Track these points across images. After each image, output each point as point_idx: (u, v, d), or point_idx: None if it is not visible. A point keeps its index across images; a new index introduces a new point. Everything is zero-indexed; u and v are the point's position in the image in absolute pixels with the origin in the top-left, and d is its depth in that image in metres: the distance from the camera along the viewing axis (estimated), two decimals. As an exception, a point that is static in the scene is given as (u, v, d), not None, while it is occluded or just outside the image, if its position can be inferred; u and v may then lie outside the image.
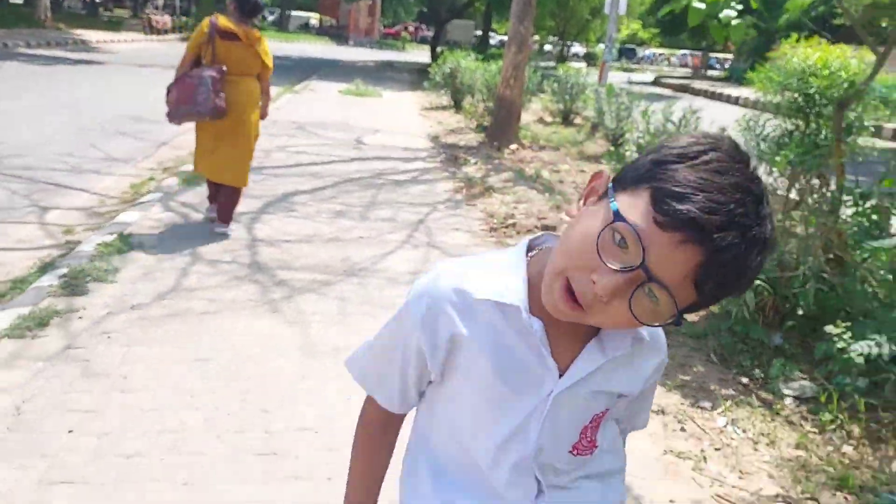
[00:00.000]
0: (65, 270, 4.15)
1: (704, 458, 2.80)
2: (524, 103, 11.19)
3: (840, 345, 3.15)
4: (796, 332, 3.75)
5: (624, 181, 0.87)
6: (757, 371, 3.53)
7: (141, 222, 5.27)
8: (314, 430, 2.80)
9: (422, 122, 12.65)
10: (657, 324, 0.86)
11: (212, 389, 3.04)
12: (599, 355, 0.97)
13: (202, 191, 5.95)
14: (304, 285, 4.33)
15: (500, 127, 9.93)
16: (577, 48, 43.91)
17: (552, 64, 27.94)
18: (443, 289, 0.99)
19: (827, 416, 3.09)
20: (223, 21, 4.87)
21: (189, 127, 5.31)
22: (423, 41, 50.23)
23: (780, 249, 3.71)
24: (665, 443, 2.91)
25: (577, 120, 13.11)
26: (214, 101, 4.74)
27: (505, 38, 17.84)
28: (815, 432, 3.05)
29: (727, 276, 0.82)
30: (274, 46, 5.95)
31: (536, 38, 33.70)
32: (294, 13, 49.22)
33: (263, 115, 5.32)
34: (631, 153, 5.69)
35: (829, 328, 3.25)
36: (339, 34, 48.34)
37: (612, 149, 8.92)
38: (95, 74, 16.21)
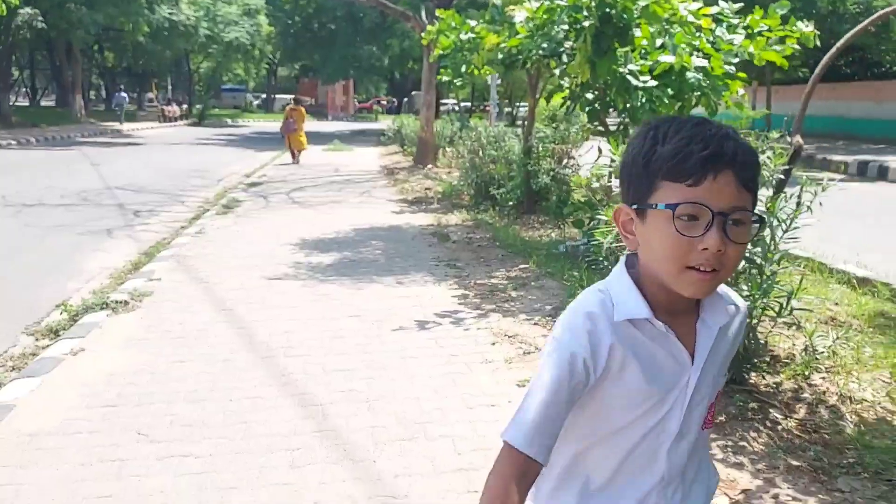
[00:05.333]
0: (220, 206, 10.49)
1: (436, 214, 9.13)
2: (444, 144, 17.69)
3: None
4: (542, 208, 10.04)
5: (638, 198, 1.11)
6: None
7: (237, 197, 11.63)
8: (348, 221, 9.10)
9: (377, 160, 19.37)
10: (755, 233, 1.11)
11: (311, 217, 9.37)
12: (711, 325, 1.18)
13: (258, 189, 12.46)
14: (318, 204, 10.84)
15: (421, 155, 16.51)
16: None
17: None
18: (590, 318, 1.15)
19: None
20: (290, 107, 18.01)
21: (233, 169, 12.25)
22: (392, 111, 57.16)
23: (524, 166, 10.10)
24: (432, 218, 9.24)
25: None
26: (288, 125, 17.69)
27: (454, 102, 24.57)
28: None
29: (752, 165, 1.07)
30: (261, 126, 13.50)
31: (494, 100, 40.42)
32: (278, 96, 56.74)
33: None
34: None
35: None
36: (318, 111, 55.48)
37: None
38: (147, 150, 22.72)
